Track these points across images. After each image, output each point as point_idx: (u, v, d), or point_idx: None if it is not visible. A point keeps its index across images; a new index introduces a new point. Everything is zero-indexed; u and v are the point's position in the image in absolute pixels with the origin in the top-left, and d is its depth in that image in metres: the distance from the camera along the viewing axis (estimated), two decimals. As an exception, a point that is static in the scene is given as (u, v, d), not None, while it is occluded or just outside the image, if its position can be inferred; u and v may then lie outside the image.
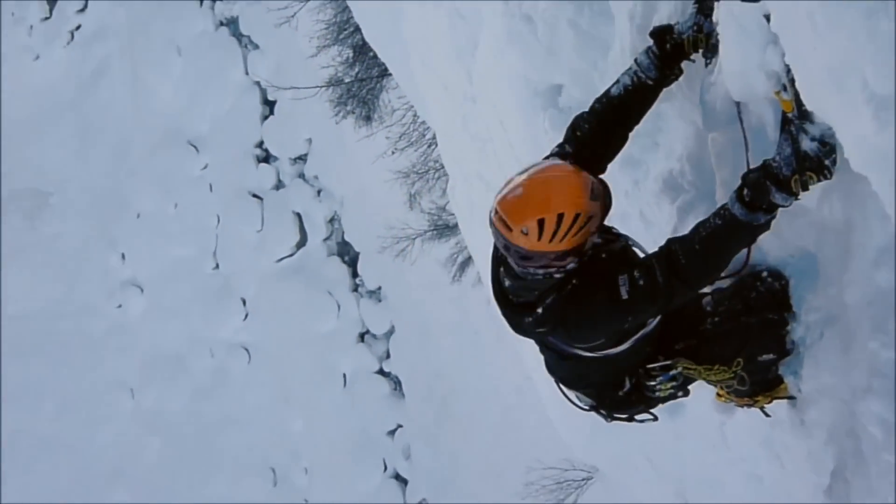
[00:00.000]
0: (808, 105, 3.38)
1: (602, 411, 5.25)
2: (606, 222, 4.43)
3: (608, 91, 4.70)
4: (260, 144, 27.36)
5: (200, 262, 27.89)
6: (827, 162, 3.63)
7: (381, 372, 25.32)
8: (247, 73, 27.55)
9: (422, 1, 9.77)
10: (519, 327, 4.61)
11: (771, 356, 4.95)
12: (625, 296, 4.16)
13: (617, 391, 5.04)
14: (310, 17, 20.96)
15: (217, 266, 27.82)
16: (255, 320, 27.14)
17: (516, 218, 4.04)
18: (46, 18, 30.89)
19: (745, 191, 3.90)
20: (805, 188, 3.76)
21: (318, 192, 26.54)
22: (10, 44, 30.90)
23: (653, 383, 4.96)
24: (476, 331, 21.45)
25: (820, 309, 4.58)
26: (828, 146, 3.59)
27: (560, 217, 3.99)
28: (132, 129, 28.93)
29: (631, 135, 4.77)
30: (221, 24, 28.32)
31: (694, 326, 4.95)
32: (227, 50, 27.93)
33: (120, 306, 28.96)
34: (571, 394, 5.25)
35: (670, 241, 4.29)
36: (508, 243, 4.14)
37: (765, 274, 4.82)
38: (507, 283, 4.47)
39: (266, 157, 27.41)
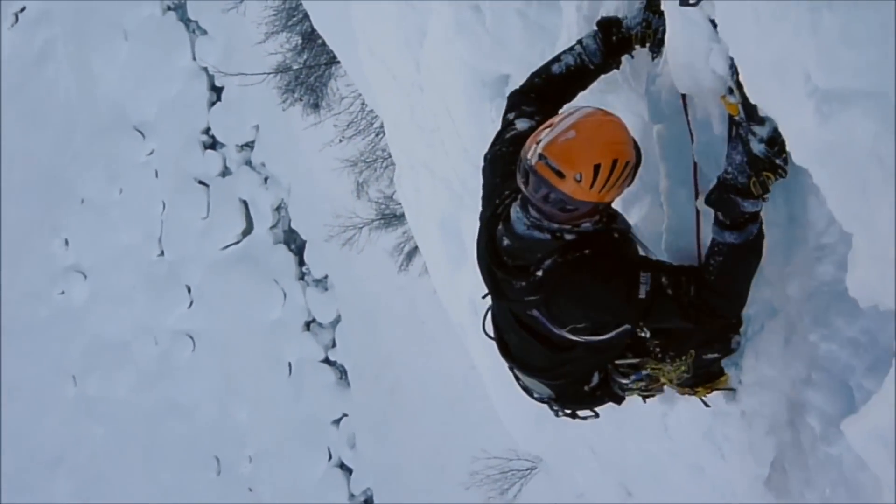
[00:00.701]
0: (753, 99, 3.39)
1: (555, 405, 5.15)
2: None
3: (549, 68, 4.72)
4: (207, 131, 27.11)
5: (145, 248, 27.64)
6: (778, 161, 3.65)
7: (326, 361, 25.23)
8: (194, 59, 27.30)
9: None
10: (504, 294, 4.43)
11: (715, 355, 4.93)
12: (642, 295, 4.00)
13: (584, 385, 4.92)
14: (258, 3, 20.84)
15: (162, 253, 27.58)
16: (200, 308, 26.95)
17: (571, 164, 3.85)
18: (-11, 1, 30.48)
19: (719, 215, 3.89)
20: (765, 189, 3.76)
21: (265, 179, 26.38)
22: (-50, 26, 30.46)
23: (625, 381, 4.86)
24: (422, 321, 21.45)
25: (761, 301, 4.61)
26: (776, 146, 3.60)
27: (614, 163, 3.86)
28: (77, 113, 28.62)
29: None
30: (169, 8, 28.01)
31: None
32: (174, 35, 27.64)
33: (63, 293, 28.71)
34: (529, 381, 5.06)
35: (692, 268, 4.21)
36: (553, 191, 3.92)
37: None
38: (505, 242, 4.27)
39: (213, 144, 27.17)
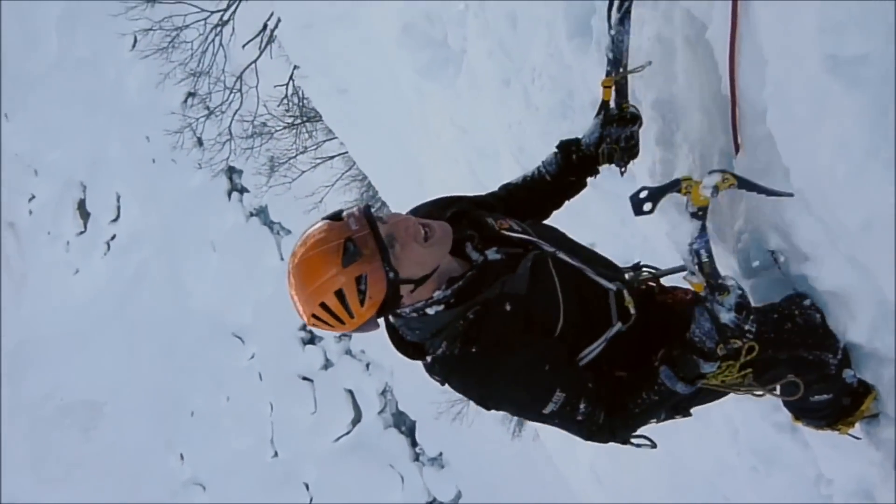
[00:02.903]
0: (856, 256, 3.37)
1: None
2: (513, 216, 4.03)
3: (512, 181, 4.55)
4: (303, 327, 27.53)
5: (259, 451, 27.86)
6: (747, 326, 3.50)
7: (453, 538, 24.98)
8: (282, 259, 27.88)
9: (441, 166, 9.95)
10: (425, 369, 3.85)
11: (825, 397, 4.34)
12: (549, 410, 3.55)
13: None
14: (337, 198, 21.30)
15: (276, 454, 27.78)
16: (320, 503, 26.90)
17: (302, 317, 3.54)
18: (81, 233, 31.61)
19: (676, 369, 3.58)
20: (736, 355, 3.58)
21: (367, 365, 26.65)
22: (50, 261, 31.60)
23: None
24: (544, 484, 21.15)
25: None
26: (744, 311, 3.48)
27: (324, 305, 3.44)
28: (176, 328, 29.27)
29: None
30: (251, 214, 28.86)
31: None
32: (259, 239, 28.39)
33: (185, 507, 28.88)
34: None
35: (609, 392, 3.70)
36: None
37: (807, 303, 4.08)
38: (391, 318, 3.81)
39: (311, 339, 27.63)
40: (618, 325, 3.90)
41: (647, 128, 5.41)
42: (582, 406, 3.55)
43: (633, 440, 4.30)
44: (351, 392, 26.79)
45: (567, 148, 4.38)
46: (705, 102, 4.55)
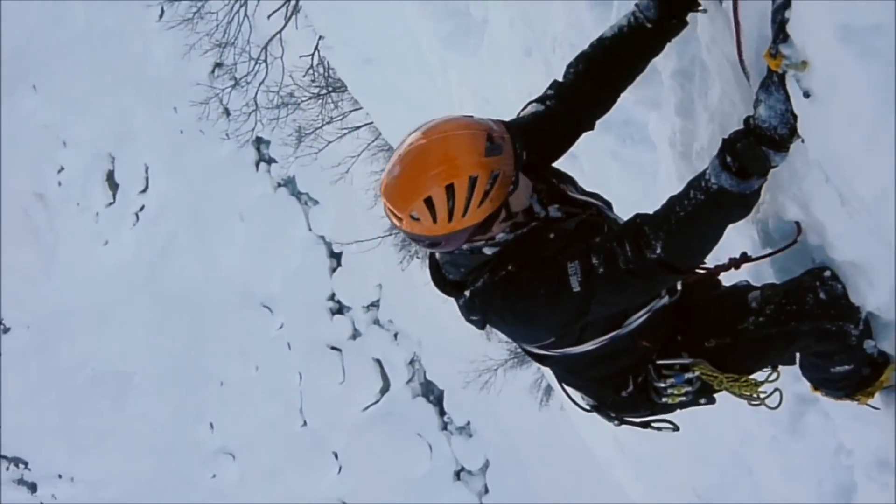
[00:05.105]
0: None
1: (608, 413, 4.42)
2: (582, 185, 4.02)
3: (602, 34, 4.04)
4: (332, 297, 27.64)
5: (288, 420, 27.95)
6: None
7: (482, 507, 25.01)
8: (310, 230, 27.96)
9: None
10: (461, 312, 3.84)
11: (846, 367, 4.21)
12: (576, 287, 3.42)
13: (619, 392, 4.23)
14: (363, 169, 21.27)
15: (305, 423, 27.87)
16: (349, 472, 27.04)
17: (400, 204, 3.38)
18: (111, 204, 31.64)
19: (730, 159, 3.18)
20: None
21: (395, 335, 26.65)
22: (79, 232, 31.67)
23: (663, 385, 4.13)
24: (571, 452, 21.15)
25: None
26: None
27: (450, 189, 3.31)
28: (205, 299, 29.36)
29: (623, 94, 4.11)
30: (279, 185, 28.81)
31: (733, 323, 4.09)
32: (287, 209, 28.37)
33: (214, 476, 29.07)
34: (573, 392, 4.47)
35: (639, 221, 3.45)
36: (407, 234, 3.51)
37: (827, 274, 3.94)
38: (437, 255, 3.84)
39: (339, 309, 27.65)
40: (665, 299, 3.95)
41: (666, 98, 5.39)
42: (595, 260, 3.43)
43: (654, 424, 4.45)
44: (379, 362, 26.82)
45: None
46: (724, 72, 4.51)
